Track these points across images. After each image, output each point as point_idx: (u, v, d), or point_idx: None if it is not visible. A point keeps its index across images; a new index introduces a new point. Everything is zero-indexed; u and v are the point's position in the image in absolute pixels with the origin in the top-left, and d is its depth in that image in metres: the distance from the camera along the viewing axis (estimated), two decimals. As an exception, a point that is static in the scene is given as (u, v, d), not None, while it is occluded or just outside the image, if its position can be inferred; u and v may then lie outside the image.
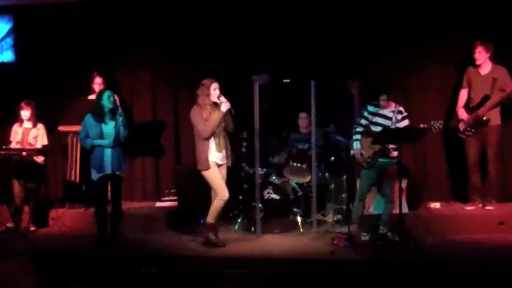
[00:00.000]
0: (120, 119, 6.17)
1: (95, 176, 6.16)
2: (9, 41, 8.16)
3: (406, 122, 6.00)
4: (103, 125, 6.14)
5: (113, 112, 6.18)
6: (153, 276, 5.40)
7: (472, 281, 4.96)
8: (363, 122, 6.09)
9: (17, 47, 8.15)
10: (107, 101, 6.13)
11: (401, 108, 6.05)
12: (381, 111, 6.02)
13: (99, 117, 6.14)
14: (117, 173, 6.20)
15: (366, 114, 6.09)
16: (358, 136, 6.07)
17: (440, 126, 5.73)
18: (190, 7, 7.67)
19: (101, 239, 6.19)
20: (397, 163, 5.92)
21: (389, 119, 5.98)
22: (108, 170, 6.13)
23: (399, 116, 6.00)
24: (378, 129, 5.96)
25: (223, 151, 6.06)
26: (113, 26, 7.87)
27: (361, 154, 5.99)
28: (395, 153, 5.99)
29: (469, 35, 6.80)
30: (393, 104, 6.04)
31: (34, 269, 5.46)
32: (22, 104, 7.08)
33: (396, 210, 5.96)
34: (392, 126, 5.93)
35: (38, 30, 8.02)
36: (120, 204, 6.39)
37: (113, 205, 6.29)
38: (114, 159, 6.13)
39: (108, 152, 6.13)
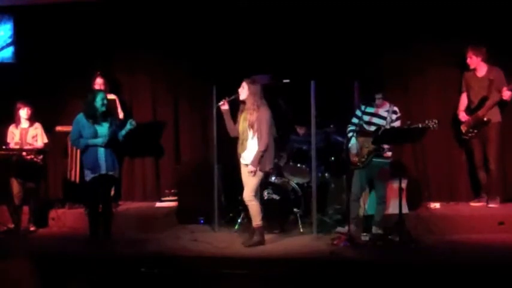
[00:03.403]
0: (115, 123, 6.21)
1: (88, 176, 6.12)
2: (9, 41, 8.16)
3: (398, 123, 6.01)
4: (97, 126, 6.10)
5: (105, 114, 6.16)
6: (153, 276, 5.40)
7: (472, 281, 4.96)
8: (356, 121, 6.09)
9: (17, 47, 8.15)
10: (99, 104, 6.06)
11: (395, 108, 6.05)
12: (375, 111, 6.02)
13: (93, 119, 6.08)
14: (111, 173, 6.18)
15: (359, 113, 6.10)
16: (352, 134, 6.06)
17: (435, 126, 5.75)
18: (190, 7, 7.67)
19: (93, 239, 6.19)
20: (390, 164, 5.99)
21: (384, 118, 5.98)
22: (103, 170, 6.11)
23: (394, 116, 6.00)
24: (373, 128, 5.97)
25: (247, 152, 6.04)
26: (113, 27, 7.87)
27: (360, 149, 5.98)
28: (389, 154, 6.02)
29: (469, 37, 6.81)
30: (387, 104, 6.04)
31: (34, 269, 5.45)
32: (19, 104, 7.08)
33: (396, 210, 5.96)
34: (387, 126, 5.93)
35: (38, 30, 8.03)
36: (111, 205, 6.41)
37: (104, 205, 6.25)
38: (108, 159, 6.11)
39: (101, 152, 6.09)
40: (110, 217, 6.28)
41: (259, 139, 5.97)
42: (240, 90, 6.03)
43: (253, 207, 6.06)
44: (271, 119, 6.04)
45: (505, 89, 6.52)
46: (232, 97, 6.05)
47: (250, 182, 6.04)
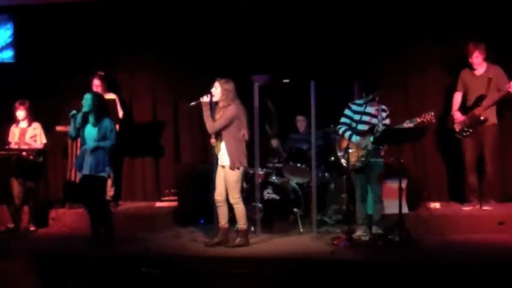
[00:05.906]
0: (103, 125, 6.12)
1: (79, 175, 6.29)
2: (9, 41, 8.16)
3: (388, 121, 6.03)
4: (86, 127, 6.17)
5: (98, 116, 6.13)
6: (153, 276, 5.40)
7: (472, 281, 4.96)
8: (347, 121, 6.07)
9: (17, 47, 8.15)
10: (83, 104, 6.13)
11: (384, 107, 6.06)
12: (367, 110, 5.98)
13: (84, 119, 6.18)
14: (96, 174, 6.14)
15: (349, 113, 6.07)
16: (351, 132, 5.98)
17: (431, 118, 5.75)
18: (190, 7, 7.67)
19: (93, 238, 6.23)
20: (384, 163, 6.06)
21: (376, 117, 5.99)
22: (86, 171, 6.14)
23: (384, 114, 6.03)
24: (365, 127, 5.97)
25: (221, 153, 5.96)
26: (113, 27, 7.87)
27: (358, 149, 5.98)
28: (382, 153, 6.05)
29: (468, 36, 6.80)
30: (376, 103, 6.05)
31: (34, 269, 5.46)
32: (16, 105, 7.09)
33: (394, 210, 5.96)
34: (380, 124, 5.94)
35: (38, 30, 8.03)
36: (102, 205, 6.34)
37: (96, 206, 6.26)
38: (94, 161, 6.10)
39: (88, 152, 6.14)
40: (105, 218, 6.26)
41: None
42: (213, 90, 5.91)
43: (239, 209, 6.01)
44: (239, 117, 5.89)
45: None
46: (197, 101, 5.90)
47: (230, 183, 5.95)
